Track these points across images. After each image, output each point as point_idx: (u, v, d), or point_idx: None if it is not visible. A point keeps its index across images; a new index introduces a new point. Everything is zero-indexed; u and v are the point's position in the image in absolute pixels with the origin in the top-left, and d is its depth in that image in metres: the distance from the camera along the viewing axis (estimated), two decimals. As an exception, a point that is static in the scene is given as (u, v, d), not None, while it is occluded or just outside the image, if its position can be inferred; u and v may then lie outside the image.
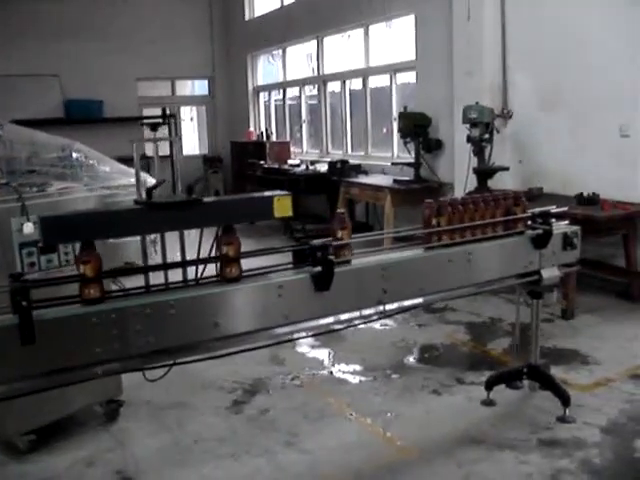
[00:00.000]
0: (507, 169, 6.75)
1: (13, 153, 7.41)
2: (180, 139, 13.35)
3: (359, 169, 9.63)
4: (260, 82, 13.92)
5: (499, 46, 7.09)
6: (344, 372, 4.70)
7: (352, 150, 10.75)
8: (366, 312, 3.09)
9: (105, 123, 12.70)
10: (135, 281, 2.67)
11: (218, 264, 2.68)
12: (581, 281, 5.65)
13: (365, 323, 3.21)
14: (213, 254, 2.80)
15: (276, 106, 13.57)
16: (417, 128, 8.03)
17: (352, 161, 9.91)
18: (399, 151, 9.32)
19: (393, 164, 9.01)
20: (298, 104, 12.45)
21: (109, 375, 2.66)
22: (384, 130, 10.03)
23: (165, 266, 2.80)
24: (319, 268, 2.78)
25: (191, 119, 15.61)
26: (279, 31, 12.13)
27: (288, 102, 12.92)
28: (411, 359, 4.92)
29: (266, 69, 13.95)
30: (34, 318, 2.25)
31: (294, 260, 2.89)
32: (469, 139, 6.65)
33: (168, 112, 13.48)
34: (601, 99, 6.13)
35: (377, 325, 5.42)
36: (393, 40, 9.68)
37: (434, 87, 8.20)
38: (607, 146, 6.12)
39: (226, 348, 2.71)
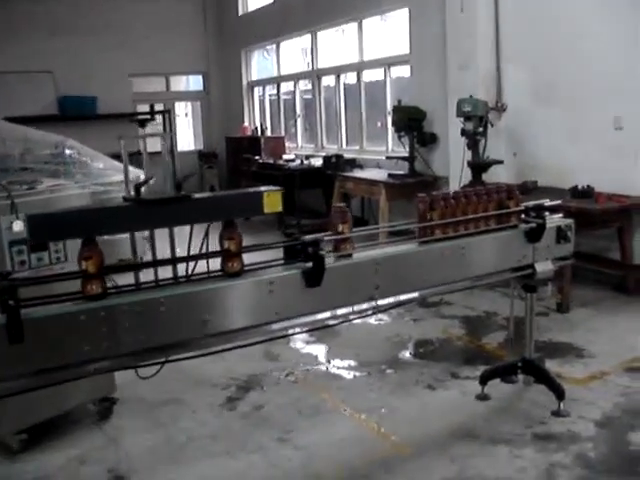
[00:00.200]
0: (501, 162, 6.73)
1: (6, 150, 7.39)
2: (173, 135, 13.31)
3: (354, 163, 9.60)
4: (254, 77, 13.88)
5: (493, 39, 7.06)
6: (338, 367, 4.69)
7: (347, 144, 10.72)
8: (358, 307, 3.08)
9: (99, 119, 12.63)
10: (129, 278, 2.65)
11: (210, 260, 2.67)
12: (576, 274, 5.65)
13: (357, 319, 3.19)
14: (204, 250, 2.80)
15: (271, 101, 13.53)
16: (411, 122, 8.00)
17: (347, 155, 9.88)
18: (394, 145, 9.29)
19: (388, 158, 8.99)
20: (292, 99, 12.41)
21: (100, 373, 2.63)
22: (379, 124, 10.00)
23: (160, 262, 2.77)
24: (310, 264, 2.77)
25: (185, 115, 15.55)
26: (273, 26, 12.08)
27: (283, 97, 12.87)
28: (406, 354, 4.91)
29: (261, 64, 13.90)
30: (22, 317, 2.22)
31: (285, 256, 2.87)
32: (463, 132, 6.62)
33: (163, 108, 13.60)
34: (596, 92, 6.10)
35: (372, 320, 5.41)
36: (387, 34, 9.65)
37: (428, 81, 8.17)
38: (601, 139, 6.10)
39: (219, 345, 2.69)
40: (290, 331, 3.13)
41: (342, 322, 3.22)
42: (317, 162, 10.09)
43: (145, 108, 13.88)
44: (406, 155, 8.27)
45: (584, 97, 6.21)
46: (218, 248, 2.69)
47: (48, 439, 3.70)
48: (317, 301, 2.85)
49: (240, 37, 13.54)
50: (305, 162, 10.39)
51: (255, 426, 3.83)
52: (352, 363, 4.73)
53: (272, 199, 2.75)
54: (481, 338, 5.13)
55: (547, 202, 3.72)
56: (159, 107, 13.92)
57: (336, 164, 9.50)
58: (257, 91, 13.87)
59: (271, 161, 11.08)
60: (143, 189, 2.63)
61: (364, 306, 3.05)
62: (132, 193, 2.58)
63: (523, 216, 3.61)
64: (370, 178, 8.59)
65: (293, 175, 9.90)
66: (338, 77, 10.75)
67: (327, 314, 3.01)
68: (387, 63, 9.43)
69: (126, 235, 3.92)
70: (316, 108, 11.39)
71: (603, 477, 3.15)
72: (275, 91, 13.08)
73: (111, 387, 3.97)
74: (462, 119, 6.61)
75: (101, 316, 2.40)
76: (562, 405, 3.74)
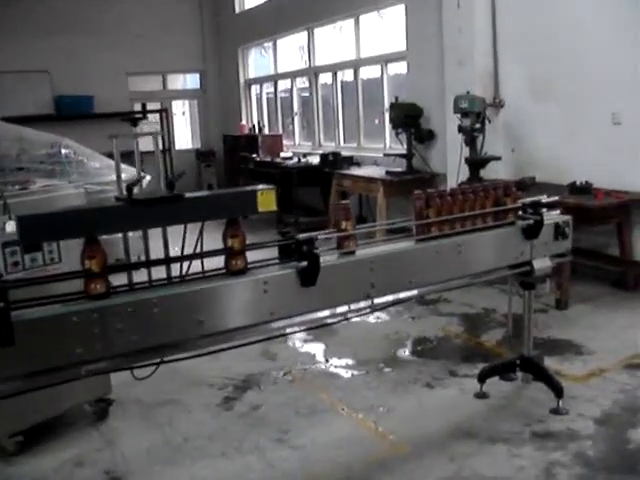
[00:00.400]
0: (499, 159, 6.70)
1: (1, 151, 7.35)
2: (165, 134, 13.28)
3: (351, 161, 9.58)
4: (252, 75, 13.83)
5: (490, 35, 7.02)
6: (336, 366, 4.66)
7: (344, 142, 10.68)
8: (354, 306, 3.06)
9: (96, 119, 12.58)
10: (123, 279, 2.63)
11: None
12: (575, 270, 5.62)
13: (353, 318, 3.15)
14: (198, 250, 2.77)
15: (268, 99, 13.49)
16: (408, 119, 7.97)
17: (345, 153, 9.85)
18: (391, 142, 9.26)
19: (385, 155, 8.96)
20: (290, 96, 12.37)
21: (92, 375, 2.59)
22: (376, 121, 9.96)
23: (154, 262, 2.74)
24: (305, 263, 2.74)
25: (183, 113, 15.51)
26: (269, 23, 12.03)
27: (280, 95, 12.83)
28: (404, 352, 4.88)
29: (258, 62, 13.86)
30: (13, 319, 2.20)
31: (280, 255, 2.84)
32: (460, 129, 6.59)
33: (160, 107, 13.56)
34: (593, 87, 6.07)
35: (370, 318, 5.38)
36: (384, 31, 9.61)
37: (425, 77, 8.13)
38: (600, 134, 6.07)
39: (215, 345, 2.66)
40: (287, 330, 3.11)
41: (338, 321, 3.19)
42: (314, 160, 10.05)
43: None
44: (404, 152, 8.24)
45: (582, 92, 6.18)
46: (212, 247, 2.67)
47: (44, 441, 3.68)
48: (312, 300, 2.83)
49: (237, 35, 13.50)
50: (302, 160, 10.35)
51: (252, 426, 3.80)
52: (350, 362, 4.70)
53: (266, 198, 2.72)
54: (480, 335, 5.11)
55: (545, 198, 3.69)
56: (156, 106, 13.90)
57: (333, 162, 9.47)
58: (254, 89, 13.83)
59: (268, 159, 11.04)
60: (136, 189, 2.61)
61: (361, 304, 3.02)
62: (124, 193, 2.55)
63: (520, 213, 3.59)
64: (368, 175, 8.57)
65: (290, 173, 9.87)
66: (335, 74, 10.71)
67: (323, 313, 2.99)
68: (384, 60, 9.39)
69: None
70: (313, 106, 11.35)
71: (602, 475, 3.12)
72: (272, 89, 13.04)
73: (107, 388, 3.94)
74: (459, 116, 6.58)
75: (93, 318, 2.37)
76: (561, 403, 3.71)
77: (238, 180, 11.96)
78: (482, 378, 4.02)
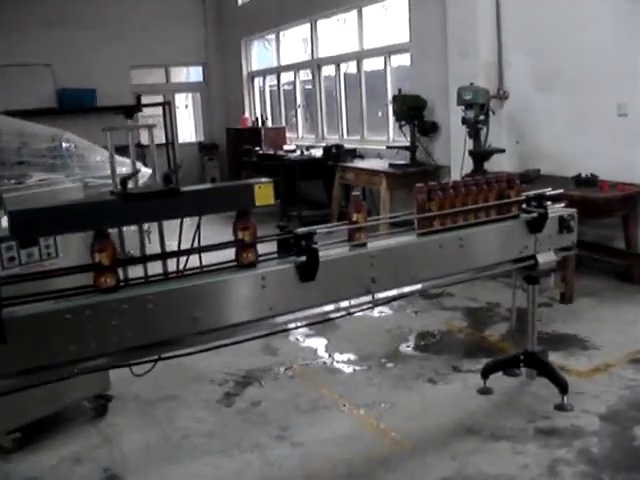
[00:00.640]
0: (503, 151, 6.62)
1: (2, 144, 7.31)
2: (171, 126, 13.21)
3: (354, 153, 9.51)
4: (255, 67, 13.75)
5: (494, 25, 6.93)
6: (338, 362, 4.61)
7: (348, 134, 10.62)
8: (355, 301, 3.01)
9: (99, 112, 12.53)
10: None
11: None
12: (580, 264, 5.56)
13: (354, 313, 3.09)
14: (196, 244, 2.73)
15: (271, 91, 13.42)
16: (412, 111, 7.89)
17: (348, 145, 9.79)
18: (395, 135, 9.18)
19: (388, 148, 8.89)
20: (293, 89, 12.29)
21: (86, 373, 2.56)
22: (379, 114, 9.89)
23: (150, 258, 2.70)
24: (303, 258, 2.69)
25: (186, 106, 15.44)
26: (272, 15, 11.95)
27: (283, 87, 12.76)
28: (406, 347, 4.83)
29: (261, 54, 13.78)
30: (5, 316, 2.15)
31: (279, 249, 2.79)
32: (464, 121, 6.51)
33: (163, 99, 13.50)
34: (599, 78, 5.98)
35: (372, 312, 5.32)
36: (387, 22, 9.52)
37: (429, 69, 8.05)
38: (605, 126, 5.98)
39: (214, 340, 2.61)
40: (286, 326, 3.05)
41: (338, 317, 3.14)
42: (317, 153, 9.99)
43: (145, 100, 13.81)
44: (407, 145, 8.16)
45: (587, 83, 6.10)
46: (210, 241, 2.63)
47: (42, 438, 3.64)
48: (312, 295, 2.77)
49: (240, 27, 13.42)
50: (305, 153, 10.29)
51: (252, 423, 3.76)
52: (352, 357, 4.65)
53: (264, 191, 2.66)
54: (483, 330, 5.05)
55: (549, 191, 3.63)
56: (159, 99, 13.84)
57: (336, 154, 9.40)
58: (257, 82, 13.76)
59: (271, 152, 10.98)
60: (131, 183, 2.56)
61: (359, 300, 2.97)
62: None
63: (524, 206, 3.52)
64: (371, 168, 8.50)
65: (293, 166, 9.82)
66: (338, 67, 10.64)
67: (324, 308, 2.94)
68: (387, 52, 9.31)
69: (125, 228, 3.85)
70: (316, 98, 11.28)
71: (607, 473, 3.06)
72: (275, 81, 12.96)
73: (106, 384, 3.90)
74: (463, 107, 6.50)
75: (86, 314, 2.32)
76: (565, 399, 3.66)
77: (241, 173, 11.90)
78: (485, 374, 3.97)
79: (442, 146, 7.93)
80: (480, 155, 6.55)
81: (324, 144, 10.26)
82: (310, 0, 10.74)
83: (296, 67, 12.03)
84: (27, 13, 12.26)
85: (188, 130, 15.17)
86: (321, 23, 11.03)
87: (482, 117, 6.47)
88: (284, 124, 12.48)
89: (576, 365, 4.23)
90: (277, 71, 12.77)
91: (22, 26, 12.15)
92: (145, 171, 6.12)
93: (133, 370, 3.01)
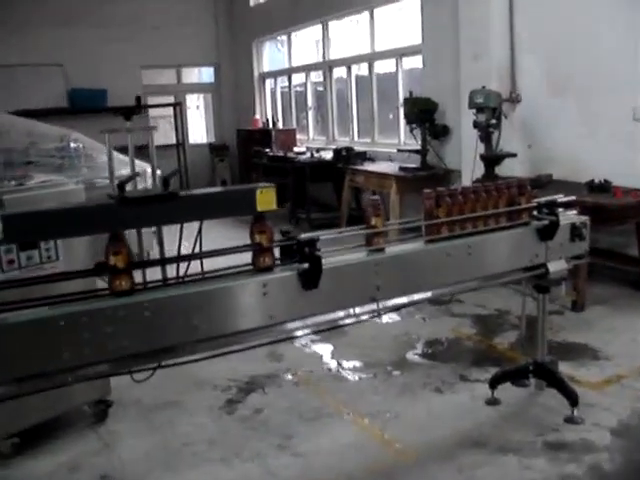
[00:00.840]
0: (514, 155, 6.52)
1: (11, 144, 7.29)
2: (182, 127, 13.19)
3: (365, 156, 9.42)
4: (266, 69, 13.70)
5: (507, 28, 6.82)
6: (343, 369, 4.53)
7: (359, 137, 10.53)
8: (359, 310, 2.93)
9: (108, 112, 12.51)
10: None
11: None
12: (592, 271, 5.45)
13: (357, 322, 3.01)
14: (198, 250, 2.66)
15: (282, 93, 13.36)
16: (423, 114, 7.79)
17: (359, 148, 9.70)
18: (406, 138, 9.10)
19: (399, 151, 8.80)
20: (304, 91, 12.23)
21: (82, 381, 2.49)
22: (390, 116, 9.80)
23: (151, 263, 2.64)
24: (306, 265, 2.61)
25: (197, 107, 15.41)
26: (284, 16, 11.90)
27: (294, 89, 12.70)
28: (413, 354, 4.73)
29: (273, 55, 13.73)
30: (-3, 322, 2.10)
31: (281, 256, 2.72)
32: (475, 125, 6.42)
33: (174, 100, 13.49)
34: (613, 82, 5.87)
35: (380, 318, 5.23)
36: (399, 24, 9.44)
37: (440, 71, 7.95)
38: (619, 130, 5.86)
39: (216, 348, 2.54)
40: (289, 334, 2.98)
41: (341, 326, 3.06)
42: (328, 155, 9.92)
43: (156, 100, 13.82)
44: (418, 148, 8.07)
45: (601, 87, 5.98)
46: (210, 246, 2.56)
47: (41, 443, 3.59)
48: (314, 303, 2.69)
49: (251, 28, 13.37)
50: (315, 155, 10.22)
51: (254, 431, 3.69)
52: (357, 364, 4.57)
53: (266, 196, 2.58)
54: (492, 338, 4.95)
55: (561, 197, 3.53)
56: (170, 99, 13.83)
57: (347, 157, 9.33)
58: (269, 83, 13.70)
59: (281, 154, 10.92)
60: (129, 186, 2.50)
61: (362, 309, 2.89)
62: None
63: (535, 213, 3.43)
64: (381, 171, 8.41)
65: (303, 168, 9.76)
66: (349, 68, 10.56)
67: (327, 316, 2.87)
68: (399, 54, 9.22)
69: (132, 230, 3.79)
70: (327, 100, 11.21)
71: (618, 490, 2.97)
72: (287, 83, 12.91)
73: (106, 389, 3.84)
74: (474, 111, 6.41)
75: (82, 321, 2.26)
76: (576, 411, 3.55)
77: (251, 175, 11.87)
78: (493, 384, 3.87)
79: (453, 150, 7.83)
80: (491, 159, 6.46)
81: (335, 146, 10.18)
82: (322, 1, 10.67)
83: (307, 69, 11.97)
84: (39, 13, 12.25)
85: (199, 131, 15.14)
86: (333, 24, 10.96)
87: (494, 121, 6.38)
88: (295, 126, 12.42)
89: (587, 376, 4.13)
90: (288, 72, 12.71)
91: (34, 26, 12.14)
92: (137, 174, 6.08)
93: (133, 376, 2.96)
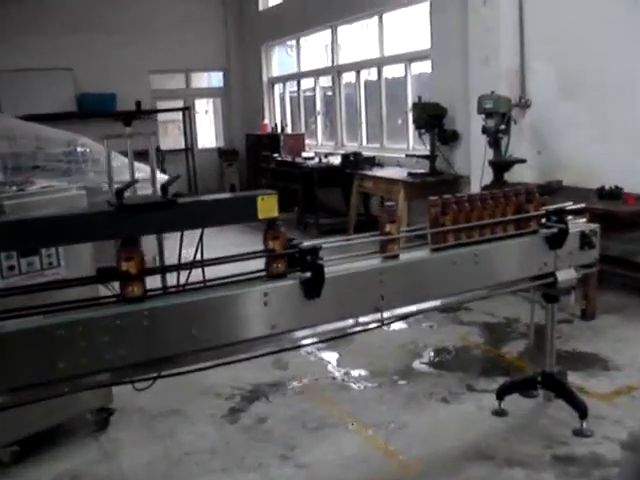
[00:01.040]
0: (524, 161, 6.44)
1: (18, 149, 7.29)
2: (191, 132, 13.16)
3: (373, 161, 9.37)
4: (275, 73, 13.68)
5: (517, 32, 6.76)
6: (348, 377, 4.46)
7: (367, 142, 10.48)
8: (364, 319, 2.87)
9: (116, 117, 12.52)
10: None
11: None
12: (602, 279, 5.37)
13: (362, 331, 2.95)
14: (198, 257, 2.62)
15: (291, 98, 13.33)
16: (431, 119, 7.74)
17: (367, 153, 9.66)
18: (415, 143, 9.03)
19: (408, 156, 8.74)
20: (313, 95, 12.19)
21: (79, 391, 2.46)
22: (399, 121, 9.75)
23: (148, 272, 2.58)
24: (308, 274, 2.56)
25: (206, 112, 15.40)
26: (293, 21, 11.88)
27: (303, 94, 12.67)
28: (420, 363, 4.66)
29: (281, 60, 13.71)
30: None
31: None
32: (484, 130, 6.35)
33: (183, 105, 13.49)
34: (624, 86, 5.79)
35: (387, 326, 5.17)
36: (408, 29, 9.38)
37: (449, 76, 7.89)
38: (631, 136, 5.78)
39: (218, 357, 2.50)
40: (293, 344, 2.93)
41: (343, 336, 3.00)
42: (336, 160, 9.87)
43: (164, 105, 13.82)
44: (427, 153, 8.02)
45: (612, 91, 5.91)
46: (220, 253, 2.53)
47: (42, 451, 3.55)
48: (317, 313, 2.64)
49: (260, 33, 13.36)
50: (324, 160, 10.16)
51: (256, 441, 3.63)
52: (363, 373, 4.51)
53: (267, 203, 2.54)
54: (500, 347, 4.88)
55: (570, 205, 3.47)
56: (179, 104, 13.83)
57: (355, 162, 9.28)
58: (277, 88, 13.68)
59: (290, 159, 10.88)
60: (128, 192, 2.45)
61: (367, 318, 2.83)
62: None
63: (544, 220, 3.36)
64: (389, 177, 8.36)
65: (311, 173, 9.72)
66: (358, 73, 10.52)
67: (330, 325, 2.81)
68: (408, 58, 9.17)
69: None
70: (336, 105, 11.17)
71: (629, 506, 2.88)
72: (295, 88, 12.88)
73: (108, 397, 3.80)
74: (483, 116, 6.34)
75: (78, 331, 2.22)
76: (585, 424, 3.47)
77: (260, 180, 11.83)
78: (501, 394, 3.80)
79: (462, 155, 7.77)
80: (500, 165, 6.39)
81: (343, 151, 10.14)
82: (331, 6, 10.64)
83: (316, 73, 11.93)
84: (49, 18, 12.30)
85: (208, 136, 15.13)
86: (342, 29, 10.93)
87: (503, 126, 6.31)
88: (303, 131, 12.38)
89: (597, 387, 4.04)
90: (297, 77, 12.68)
91: (43, 30, 12.18)
92: (159, 177, 6.04)
93: (134, 384, 2.91)
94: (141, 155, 4.69)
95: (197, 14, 13.63)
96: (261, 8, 13.41)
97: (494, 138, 6.32)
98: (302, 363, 4.70)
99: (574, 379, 3.97)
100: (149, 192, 3.70)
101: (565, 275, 3.39)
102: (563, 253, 3.35)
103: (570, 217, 3.42)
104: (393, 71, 9.81)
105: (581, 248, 3.44)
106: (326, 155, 10.42)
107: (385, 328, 5.03)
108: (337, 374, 4.53)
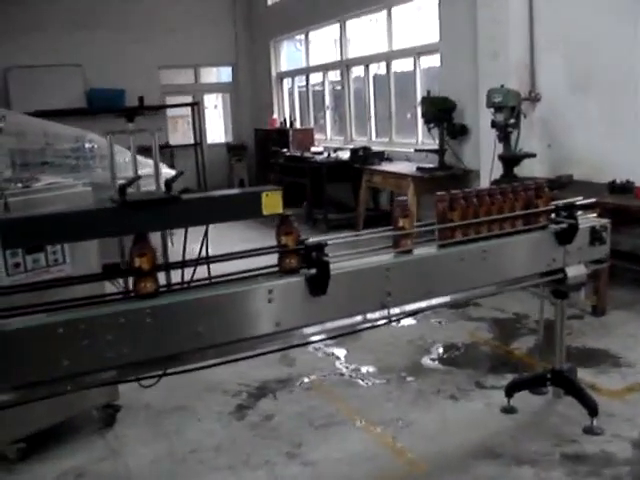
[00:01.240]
0: (534, 156, 6.38)
1: (27, 145, 7.28)
2: (200, 127, 13.14)
3: (382, 156, 9.31)
4: (284, 68, 13.64)
5: (526, 25, 6.68)
6: (356, 374, 4.43)
7: (376, 136, 10.43)
8: (370, 316, 2.84)
9: (123, 113, 12.50)
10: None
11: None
12: (613, 274, 5.29)
13: (369, 328, 2.92)
14: (203, 254, 2.60)
15: (300, 92, 13.29)
16: (440, 113, 7.68)
17: (376, 148, 9.61)
18: (424, 137, 8.98)
19: (417, 151, 8.69)
20: (322, 90, 12.15)
21: (82, 389, 2.44)
22: (408, 116, 9.69)
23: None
24: (314, 270, 2.53)
25: (215, 107, 15.39)
26: (301, 15, 11.84)
27: (312, 88, 12.62)
28: (428, 359, 4.62)
29: (291, 55, 13.66)
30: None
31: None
32: (494, 124, 6.29)
33: (192, 100, 13.48)
34: (636, 79, 5.71)
35: (396, 323, 5.14)
36: (417, 22, 9.32)
37: (459, 70, 7.83)
38: (642, 130, 5.72)
39: (223, 354, 2.48)
40: (297, 342, 2.90)
41: (348, 334, 2.97)
42: (345, 155, 9.82)
43: (174, 100, 13.82)
44: (436, 148, 7.96)
45: (624, 85, 5.83)
46: (228, 249, 2.51)
47: (48, 448, 3.54)
48: (323, 310, 2.61)
49: (269, 28, 13.32)
50: (333, 155, 10.13)
51: (263, 438, 3.61)
52: (371, 369, 4.47)
53: (271, 199, 2.51)
54: (510, 343, 4.83)
55: (580, 200, 3.42)
56: (188, 99, 13.82)
57: (364, 157, 9.23)
58: (286, 82, 13.64)
59: (298, 154, 10.84)
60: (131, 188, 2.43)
61: (373, 315, 2.79)
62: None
63: (553, 216, 3.31)
64: (398, 171, 8.31)
65: (320, 168, 9.68)
66: (367, 67, 10.46)
67: (337, 322, 2.78)
68: (417, 52, 9.11)
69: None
70: (345, 99, 11.13)
71: (640, 506, 2.85)
72: (304, 82, 12.83)
73: (114, 394, 3.78)
74: (493, 110, 6.28)
75: (81, 329, 2.20)
76: (595, 422, 3.43)
77: (269, 175, 11.81)
78: (510, 391, 3.76)
79: (472, 150, 7.71)
80: (510, 160, 6.32)
81: (352, 146, 10.09)
82: (340, 0, 10.58)
83: (325, 68, 11.89)
84: (58, 15, 12.31)
85: (217, 131, 15.11)
86: (350, 23, 10.87)
87: (512, 120, 6.24)
88: (312, 125, 12.34)
89: (607, 384, 3.99)
90: (306, 72, 12.64)
91: (53, 27, 12.20)
92: (167, 172, 6.02)
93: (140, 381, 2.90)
94: (148, 151, 4.69)
95: (206, 9, 13.60)
96: (270, 3, 13.37)
97: (504, 132, 6.25)
98: (309, 360, 4.68)
99: (584, 376, 3.92)
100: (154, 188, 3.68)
101: (575, 271, 3.34)
102: (573, 249, 3.30)
103: (580, 212, 3.37)
104: (402, 65, 9.75)
105: (591, 244, 3.39)
106: (335, 150, 10.39)
107: (393, 324, 5.02)
108: (345, 371, 4.50)
